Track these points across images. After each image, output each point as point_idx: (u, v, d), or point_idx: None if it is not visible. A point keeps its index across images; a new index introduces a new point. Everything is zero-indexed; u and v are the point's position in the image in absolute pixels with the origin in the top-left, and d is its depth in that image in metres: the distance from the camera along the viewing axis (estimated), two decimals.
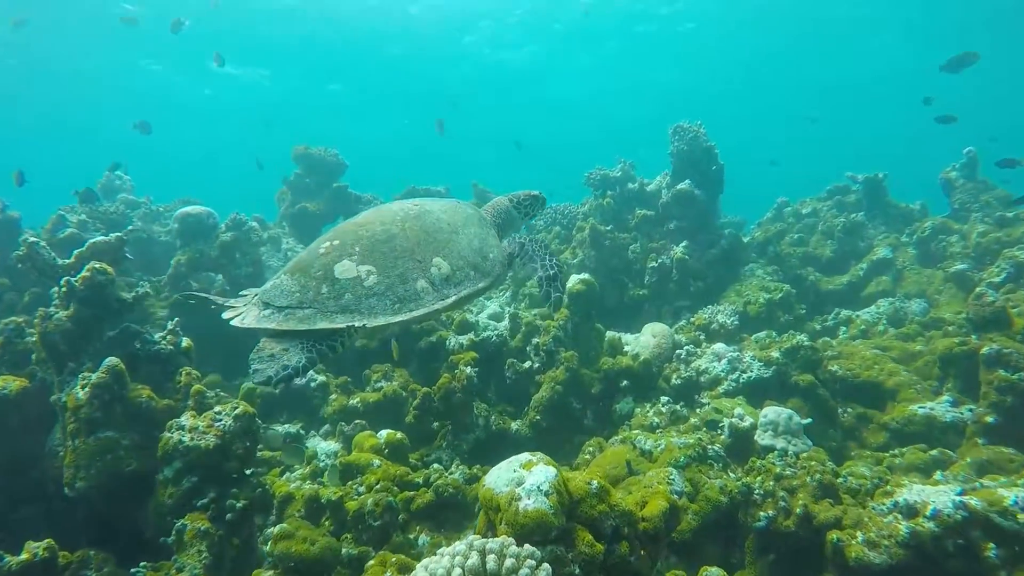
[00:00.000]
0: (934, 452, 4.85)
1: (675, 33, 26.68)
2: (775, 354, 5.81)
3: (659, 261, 8.34)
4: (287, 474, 5.59)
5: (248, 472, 4.35)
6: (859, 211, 10.15)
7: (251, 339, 3.19)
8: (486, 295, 8.74)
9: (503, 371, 6.64)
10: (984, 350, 5.07)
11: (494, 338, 6.75)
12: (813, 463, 3.96)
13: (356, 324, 2.91)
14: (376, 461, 5.51)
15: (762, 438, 4.52)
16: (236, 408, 4.23)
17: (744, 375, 5.82)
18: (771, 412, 4.54)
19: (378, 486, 5.11)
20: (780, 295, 7.86)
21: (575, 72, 32.51)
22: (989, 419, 4.89)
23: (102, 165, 10.57)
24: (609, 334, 6.90)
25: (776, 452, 4.20)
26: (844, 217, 10.06)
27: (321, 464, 5.76)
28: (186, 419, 4.08)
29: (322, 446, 6.29)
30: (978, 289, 5.54)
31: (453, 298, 3.23)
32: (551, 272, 3.65)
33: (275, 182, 11.84)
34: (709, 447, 4.58)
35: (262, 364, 2.83)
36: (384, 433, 5.89)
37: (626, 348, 6.60)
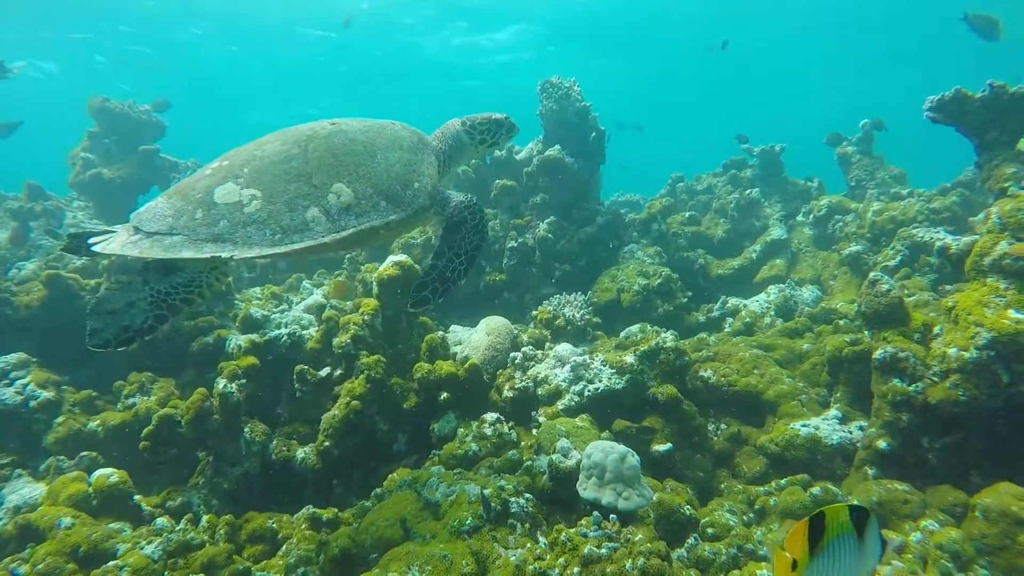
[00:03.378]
0: (816, 490, 3.68)
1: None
2: (630, 359, 4.52)
3: (519, 240, 6.95)
4: None
5: None
6: (754, 187, 9.15)
7: None
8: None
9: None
10: (877, 353, 3.96)
11: (285, 338, 5.15)
12: (639, 537, 2.65)
13: (224, 255, 2.53)
14: (67, 520, 3.86)
15: (584, 488, 3.17)
16: None
17: (591, 386, 4.49)
18: (596, 451, 3.19)
19: (45, 563, 3.48)
20: (659, 281, 6.69)
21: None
22: (881, 444, 3.78)
23: None
24: (442, 333, 5.46)
25: (593, 516, 2.86)
26: (738, 194, 9.04)
27: None
28: None
29: (24, 492, 4.53)
30: (872, 275, 4.43)
31: (351, 231, 2.77)
32: (447, 273, 3.21)
33: None
34: (513, 500, 3.21)
35: (100, 323, 2.52)
36: (96, 474, 4.23)
37: (455, 349, 5.17)
